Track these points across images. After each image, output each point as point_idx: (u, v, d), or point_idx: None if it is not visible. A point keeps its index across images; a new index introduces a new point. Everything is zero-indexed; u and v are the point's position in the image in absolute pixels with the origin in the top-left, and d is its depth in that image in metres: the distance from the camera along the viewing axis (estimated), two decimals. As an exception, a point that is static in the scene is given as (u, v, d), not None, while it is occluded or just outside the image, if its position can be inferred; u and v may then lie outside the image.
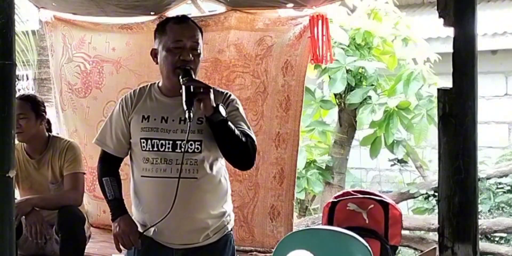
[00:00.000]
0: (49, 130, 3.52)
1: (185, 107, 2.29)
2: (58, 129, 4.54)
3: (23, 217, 3.12)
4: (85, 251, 3.21)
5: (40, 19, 4.71)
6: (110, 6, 3.91)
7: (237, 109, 2.55)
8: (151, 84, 2.61)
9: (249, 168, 2.70)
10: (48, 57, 4.82)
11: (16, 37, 1.56)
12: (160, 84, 2.58)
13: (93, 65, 4.40)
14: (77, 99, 4.47)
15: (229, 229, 2.61)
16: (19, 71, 6.72)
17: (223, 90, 2.61)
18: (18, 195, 3.33)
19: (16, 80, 1.57)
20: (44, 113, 3.42)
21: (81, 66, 4.44)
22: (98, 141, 2.65)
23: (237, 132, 2.41)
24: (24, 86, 7.90)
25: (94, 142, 2.70)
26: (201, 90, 2.32)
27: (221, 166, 2.57)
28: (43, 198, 3.25)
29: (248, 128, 2.53)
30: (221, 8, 3.94)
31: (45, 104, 3.53)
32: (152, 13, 4.02)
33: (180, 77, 2.37)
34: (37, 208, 3.15)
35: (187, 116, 2.28)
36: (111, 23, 4.28)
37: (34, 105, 3.36)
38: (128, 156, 2.61)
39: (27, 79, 7.92)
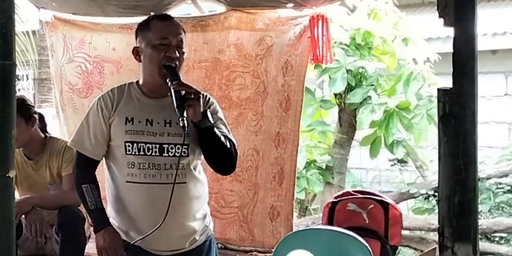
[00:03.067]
0: (44, 128, 3.45)
1: (178, 114, 2.23)
2: (58, 129, 4.53)
3: (23, 217, 3.12)
4: (85, 251, 3.21)
5: (40, 19, 4.71)
6: (110, 6, 3.91)
7: (217, 112, 2.50)
8: (129, 84, 2.52)
9: (230, 173, 2.65)
10: (48, 57, 4.82)
11: (16, 37, 1.56)
12: (140, 83, 2.49)
13: (94, 65, 4.40)
14: (78, 99, 4.46)
15: (211, 231, 2.60)
16: (19, 71, 6.72)
17: (202, 92, 2.53)
18: (17, 196, 3.32)
19: (16, 80, 1.57)
20: (33, 115, 3.32)
21: (82, 66, 4.43)
22: (74, 143, 2.54)
23: (222, 138, 2.38)
24: (24, 86, 7.91)
25: (69, 145, 2.60)
26: (192, 96, 2.26)
27: (201, 167, 2.53)
28: (43, 197, 3.25)
29: (229, 132, 2.50)
30: (221, 8, 3.93)
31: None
32: (152, 13, 4.00)
33: (168, 80, 2.30)
34: (37, 207, 3.16)
35: (181, 124, 2.22)
36: (111, 23, 4.28)
37: (22, 111, 3.21)
38: (104, 158, 2.52)
39: (27, 79, 7.93)
